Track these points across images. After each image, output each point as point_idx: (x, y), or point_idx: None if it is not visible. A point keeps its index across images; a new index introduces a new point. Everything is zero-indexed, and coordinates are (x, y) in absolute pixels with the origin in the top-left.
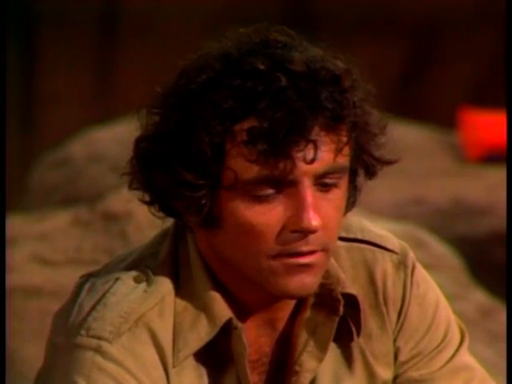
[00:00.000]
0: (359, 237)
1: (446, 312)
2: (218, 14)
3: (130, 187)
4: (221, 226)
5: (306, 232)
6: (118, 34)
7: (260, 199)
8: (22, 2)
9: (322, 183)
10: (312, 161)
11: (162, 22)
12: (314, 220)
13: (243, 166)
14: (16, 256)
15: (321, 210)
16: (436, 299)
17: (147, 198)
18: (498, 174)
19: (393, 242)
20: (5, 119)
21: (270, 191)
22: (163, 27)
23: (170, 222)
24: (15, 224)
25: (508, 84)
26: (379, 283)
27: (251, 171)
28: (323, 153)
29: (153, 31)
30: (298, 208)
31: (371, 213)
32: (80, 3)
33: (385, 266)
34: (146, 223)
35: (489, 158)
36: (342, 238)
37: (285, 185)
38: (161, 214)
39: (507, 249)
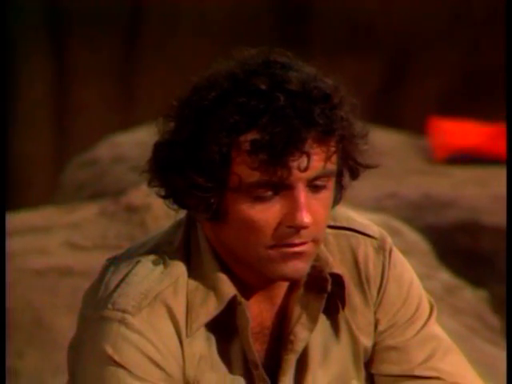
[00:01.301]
0: (345, 225)
1: (418, 289)
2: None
3: (149, 184)
4: (226, 221)
5: (299, 228)
6: (140, 47)
7: (260, 199)
8: (53, 14)
9: (314, 185)
10: (305, 169)
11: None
12: (306, 218)
13: (246, 172)
14: (51, 242)
15: (312, 209)
16: (410, 278)
17: (163, 193)
18: (461, 173)
19: (373, 229)
20: (5, 119)
21: (269, 193)
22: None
23: (183, 213)
24: (50, 215)
25: (508, 85)
26: (362, 265)
27: (253, 176)
28: (315, 161)
29: (171, 43)
30: (293, 208)
31: (354, 205)
32: (105, 16)
33: (367, 249)
34: (162, 214)
35: (453, 159)
36: (330, 226)
37: (282, 188)
38: (175, 207)
39: (507, 248)
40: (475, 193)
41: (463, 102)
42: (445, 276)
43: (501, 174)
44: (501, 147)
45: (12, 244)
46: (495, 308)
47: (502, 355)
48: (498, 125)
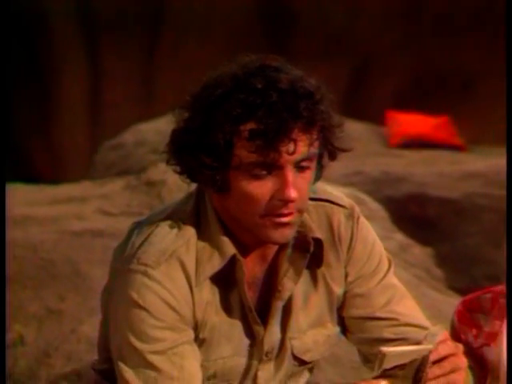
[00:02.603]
0: (323, 197)
1: (379, 248)
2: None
3: (167, 163)
4: (229, 193)
5: (287, 201)
6: (158, 54)
7: (256, 177)
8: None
9: (299, 166)
10: (293, 153)
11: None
12: (293, 194)
13: (245, 155)
14: (86, 209)
15: (297, 185)
16: (373, 239)
17: (178, 170)
18: (412, 155)
19: (344, 200)
20: (5, 118)
21: (263, 172)
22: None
23: (193, 186)
24: (86, 188)
25: (508, 86)
26: (335, 229)
27: (251, 158)
28: (300, 147)
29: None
30: (283, 185)
31: (329, 181)
32: (130, 28)
33: (339, 217)
34: (175, 188)
35: (405, 144)
36: (311, 198)
37: (273, 168)
38: (187, 181)
39: (507, 248)
40: (423, 170)
41: (414, 99)
42: (399, 237)
43: (443, 155)
44: (443, 135)
45: (55, 210)
46: (439, 262)
47: (444, 299)
48: (441, 117)
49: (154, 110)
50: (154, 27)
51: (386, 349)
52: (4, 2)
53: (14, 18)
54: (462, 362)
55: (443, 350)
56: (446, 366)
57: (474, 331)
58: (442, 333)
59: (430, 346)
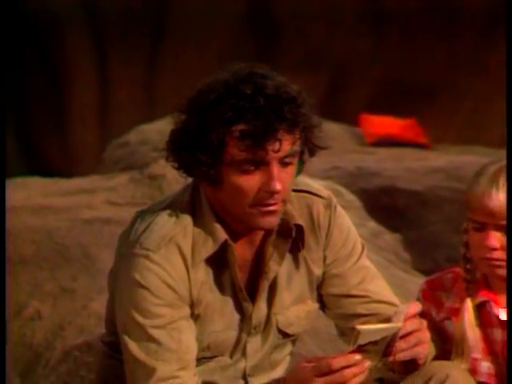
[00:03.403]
0: (304, 189)
1: (354, 234)
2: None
3: (167, 160)
4: (221, 186)
5: (272, 193)
6: (160, 62)
7: (246, 172)
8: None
9: (283, 162)
10: (278, 151)
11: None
12: (277, 186)
13: (236, 152)
14: (95, 200)
15: (281, 179)
16: (348, 226)
17: (176, 166)
18: (383, 152)
19: (323, 191)
20: (4, 120)
21: (252, 168)
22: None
23: (189, 180)
24: (95, 181)
25: (508, 86)
26: (315, 217)
27: (241, 155)
28: (284, 145)
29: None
30: (269, 178)
31: (310, 175)
32: (133, 38)
33: (318, 206)
34: (173, 181)
35: (377, 143)
36: (293, 190)
37: (261, 164)
38: (184, 175)
39: (508, 248)
40: (392, 166)
41: (384, 104)
42: (371, 224)
43: (410, 153)
44: (410, 135)
45: (68, 201)
46: (406, 247)
47: (411, 279)
48: (409, 119)
49: (156, 113)
50: (156, 39)
51: (360, 327)
52: (16, 16)
53: (31, 31)
54: (426, 336)
55: (409, 326)
56: (412, 340)
57: (437, 307)
58: (408, 310)
59: (399, 325)
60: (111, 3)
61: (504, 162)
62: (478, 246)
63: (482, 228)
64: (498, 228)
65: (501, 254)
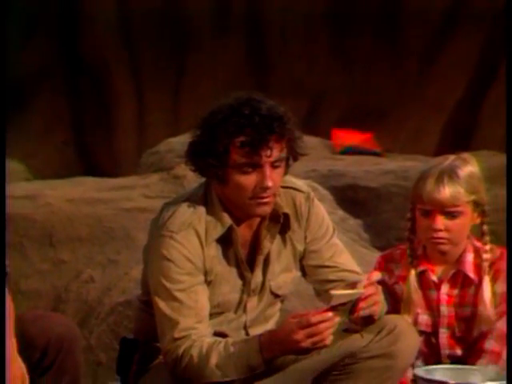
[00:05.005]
0: (289, 185)
1: (327, 219)
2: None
3: (186, 164)
4: (227, 184)
5: (265, 188)
6: (185, 89)
7: (245, 173)
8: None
9: (274, 165)
10: (269, 156)
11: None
12: (269, 183)
13: (238, 158)
14: (133, 194)
15: (272, 178)
16: (322, 213)
17: (193, 169)
18: (348, 158)
19: (304, 187)
20: (5, 123)
21: (250, 169)
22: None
23: (203, 179)
24: (133, 180)
25: (508, 87)
26: (298, 207)
27: (241, 160)
28: (274, 152)
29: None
30: (263, 177)
31: (293, 175)
32: (158, 74)
33: (300, 199)
34: (192, 180)
35: (345, 152)
36: (281, 186)
37: (257, 167)
38: (199, 176)
39: (508, 249)
40: (356, 169)
41: (349, 123)
42: (340, 213)
43: (369, 159)
44: (369, 145)
45: (113, 195)
46: (366, 229)
47: (369, 254)
48: (367, 134)
49: (179, 129)
50: (179, 74)
51: (333, 292)
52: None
53: (88, 68)
54: (379, 297)
55: (368, 291)
56: (369, 301)
57: (389, 275)
58: (368, 279)
59: (361, 291)
60: (146, 48)
61: (445, 164)
62: (426, 229)
63: (430, 214)
64: (442, 213)
65: (443, 234)
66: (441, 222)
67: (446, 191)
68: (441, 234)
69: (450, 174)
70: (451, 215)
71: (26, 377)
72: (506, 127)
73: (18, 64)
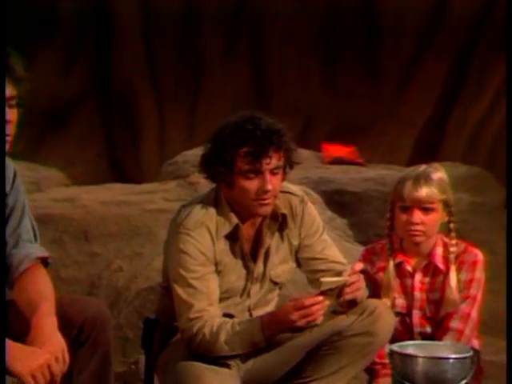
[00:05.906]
0: (286, 190)
1: (318, 218)
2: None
3: (199, 172)
4: (233, 188)
5: (266, 191)
6: (199, 109)
7: (248, 178)
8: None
9: (273, 172)
10: (269, 164)
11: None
12: (269, 187)
13: (242, 166)
14: (155, 197)
15: (272, 183)
16: (314, 214)
17: (205, 176)
18: (335, 167)
19: (299, 192)
20: (4, 125)
21: (253, 175)
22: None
23: (214, 185)
24: (155, 186)
25: (508, 87)
26: (293, 208)
27: (245, 167)
28: (273, 161)
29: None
30: (264, 182)
31: (289, 181)
32: (174, 94)
33: (296, 202)
34: (204, 186)
35: (332, 162)
36: (280, 191)
37: (258, 173)
38: (210, 182)
39: (507, 251)
40: (342, 176)
41: (337, 137)
42: (328, 213)
43: (353, 168)
44: (352, 157)
45: (138, 198)
46: (350, 227)
47: (354, 248)
48: (351, 147)
49: (194, 143)
50: (195, 95)
51: (323, 279)
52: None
53: (116, 91)
54: (362, 284)
55: (353, 279)
56: (354, 287)
57: (371, 265)
58: (352, 269)
59: (347, 278)
60: (167, 75)
61: (420, 170)
62: (405, 223)
63: (408, 209)
64: (419, 209)
65: (419, 227)
66: (418, 216)
67: (423, 190)
68: (417, 227)
69: (425, 177)
70: (426, 210)
71: (66, 349)
72: (506, 127)
73: (62, 86)
